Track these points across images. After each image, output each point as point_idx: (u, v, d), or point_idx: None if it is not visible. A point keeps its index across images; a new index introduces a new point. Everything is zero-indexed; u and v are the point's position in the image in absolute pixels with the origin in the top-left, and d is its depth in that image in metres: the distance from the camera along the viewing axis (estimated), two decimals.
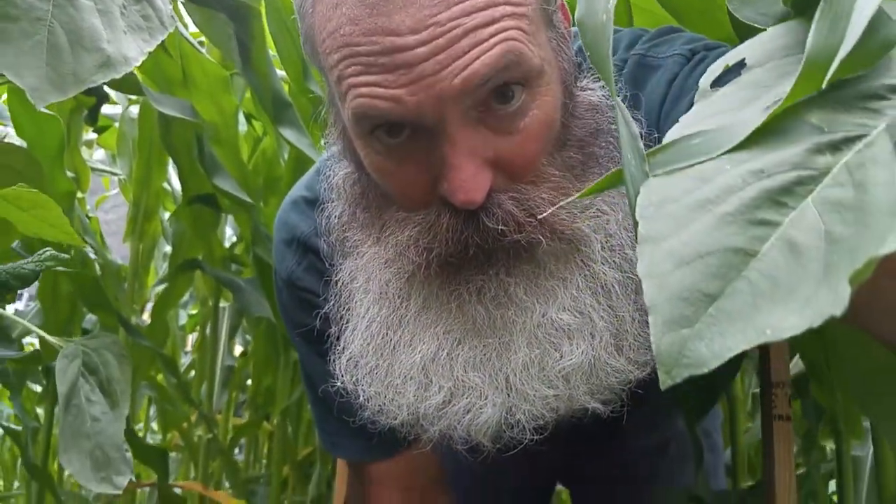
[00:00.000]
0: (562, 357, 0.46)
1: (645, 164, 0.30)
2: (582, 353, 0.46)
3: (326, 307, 0.54)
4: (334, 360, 0.53)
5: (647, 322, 0.51)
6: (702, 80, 0.35)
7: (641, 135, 0.39)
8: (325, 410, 0.62)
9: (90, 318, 1.16)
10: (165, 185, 1.28)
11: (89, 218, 1.26)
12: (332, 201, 0.55)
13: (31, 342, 1.60)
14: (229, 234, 1.43)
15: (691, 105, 0.32)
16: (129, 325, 0.95)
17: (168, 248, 1.51)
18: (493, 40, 0.41)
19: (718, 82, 0.33)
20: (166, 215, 1.36)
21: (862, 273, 0.22)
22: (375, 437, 0.54)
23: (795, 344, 0.78)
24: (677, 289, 0.25)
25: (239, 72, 0.94)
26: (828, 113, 0.29)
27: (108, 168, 1.32)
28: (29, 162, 0.80)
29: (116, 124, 1.28)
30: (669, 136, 0.30)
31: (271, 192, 1.20)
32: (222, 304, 1.23)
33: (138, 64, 0.60)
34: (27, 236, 0.96)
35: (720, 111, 0.32)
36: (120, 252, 1.32)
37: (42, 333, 0.68)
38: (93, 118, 0.92)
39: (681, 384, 0.61)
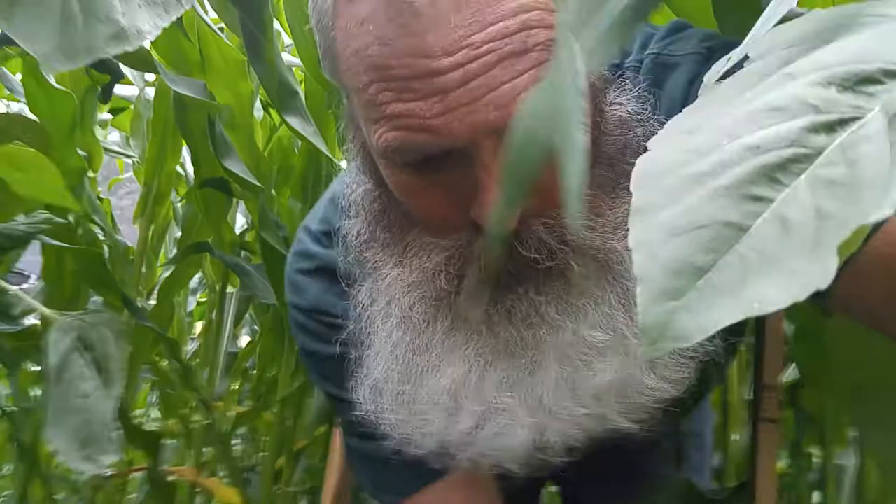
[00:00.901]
0: (594, 375, 0.45)
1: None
2: (615, 371, 0.45)
3: (346, 332, 0.53)
4: (356, 387, 0.52)
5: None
6: (706, 77, 0.35)
7: None
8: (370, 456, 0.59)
9: (95, 301, 1.18)
10: (179, 169, 1.29)
11: (101, 199, 1.28)
12: (350, 218, 0.53)
13: (35, 323, 1.62)
14: (241, 223, 1.44)
15: None
16: (133, 304, 0.96)
17: (178, 234, 1.52)
18: (527, 76, 0.40)
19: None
20: (179, 201, 1.38)
21: (851, 243, 0.23)
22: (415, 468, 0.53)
23: (792, 350, 0.78)
24: (668, 260, 0.26)
25: (248, 58, 0.95)
26: (824, 94, 0.29)
27: (121, 150, 1.35)
28: (38, 134, 0.82)
29: (132, 107, 1.30)
30: (669, 124, 0.30)
31: (284, 181, 1.21)
32: (229, 290, 1.24)
33: (153, 38, 0.60)
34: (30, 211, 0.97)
35: (719, 101, 0.32)
36: (133, 238, 1.34)
37: (40, 307, 0.69)
38: (106, 96, 0.94)
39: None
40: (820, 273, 0.23)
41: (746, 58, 0.33)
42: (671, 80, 0.52)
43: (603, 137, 0.47)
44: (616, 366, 0.46)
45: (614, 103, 0.49)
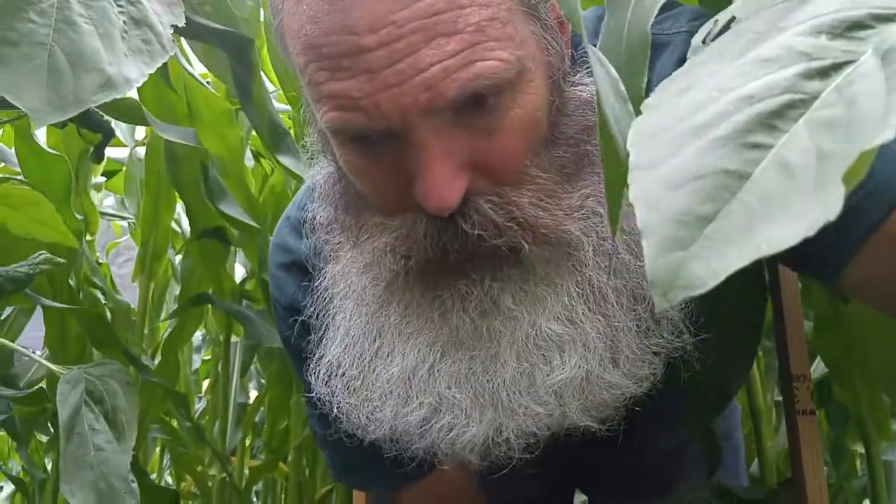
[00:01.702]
0: (552, 371, 0.44)
1: (628, 104, 0.30)
2: (574, 366, 0.44)
3: (308, 313, 0.53)
4: (312, 370, 0.51)
5: (646, 333, 0.49)
6: (693, 39, 0.35)
7: None
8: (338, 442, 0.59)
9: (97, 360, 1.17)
10: (174, 225, 1.31)
11: (99, 263, 1.28)
12: (316, 202, 0.54)
13: (41, 387, 1.61)
14: (240, 274, 1.44)
15: None
16: (138, 362, 0.96)
17: (178, 291, 1.53)
18: (458, 58, 0.40)
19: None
20: (177, 258, 1.38)
21: (856, 170, 0.23)
22: (394, 463, 0.52)
23: (815, 341, 0.77)
24: (671, 212, 0.26)
25: (240, 104, 0.97)
26: (815, 42, 0.30)
27: (117, 213, 1.36)
28: (35, 199, 0.83)
29: (125, 167, 1.32)
30: (661, 87, 0.30)
31: None
32: (233, 339, 1.24)
33: (139, 84, 0.62)
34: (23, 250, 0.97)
35: (709, 60, 0.32)
36: (134, 300, 1.34)
37: (46, 363, 0.68)
38: (99, 154, 0.95)
39: (690, 386, 0.60)
40: (826, 206, 0.22)
41: (733, 20, 0.34)
42: (661, 61, 0.51)
43: (562, 118, 0.46)
44: (576, 361, 0.44)
45: (578, 84, 0.48)
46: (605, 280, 0.45)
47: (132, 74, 0.63)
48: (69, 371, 0.62)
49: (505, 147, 0.44)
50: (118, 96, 0.61)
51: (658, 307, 0.24)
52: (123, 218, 1.36)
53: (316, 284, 0.53)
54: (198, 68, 1.16)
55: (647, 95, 0.50)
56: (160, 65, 0.66)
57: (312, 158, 0.55)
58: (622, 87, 0.30)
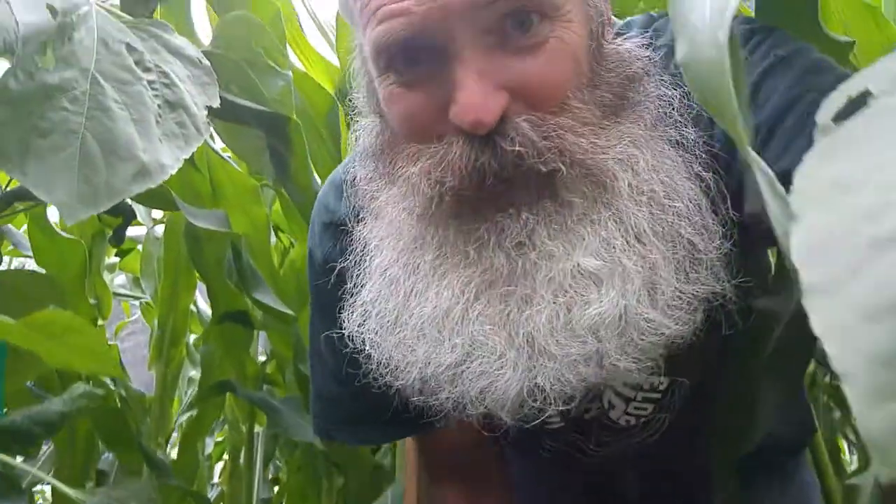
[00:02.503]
0: (589, 305, 0.44)
1: (787, 205, 0.27)
2: (612, 300, 0.43)
3: (343, 266, 0.54)
4: (346, 313, 0.52)
5: (686, 276, 0.47)
6: (820, 116, 0.32)
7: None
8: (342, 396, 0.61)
9: (105, 458, 1.12)
10: (191, 306, 1.27)
11: (109, 346, 1.24)
12: (357, 160, 0.55)
13: (42, 489, 1.54)
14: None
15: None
16: (156, 461, 0.91)
17: (192, 373, 1.47)
18: None
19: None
20: (190, 337, 1.34)
21: None
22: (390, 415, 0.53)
23: None
24: (875, 353, 0.22)
25: (271, 183, 0.95)
26: None
27: (129, 292, 1.33)
28: (50, 288, 0.79)
29: (140, 246, 1.29)
30: (807, 176, 0.27)
31: (303, 303, 1.18)
32: (256, 429, 1.18)
33: (174, 171, 0.59)
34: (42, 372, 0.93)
35: (861, 146, 0.29)
36: (140, 382, 1.29)
37: (61, 486, 0.63)
38: (119, 238, 0.93)
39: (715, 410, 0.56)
40: None
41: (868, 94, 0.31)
42: None
43: (603, 65, 0.48)
44: (614, 294, 0.44)
45: (614, 42, 0.51)
46: (642, 215, 0.45)
47: (167, 161, 0.61)
48: (90, 498, 0.57)
49: (545, 73, 0.45)
50: (153, 185, 0.59)
51: (874, 470, 0.20)
52: (137, 298, 1.32)
53: (353, 243, 0.54)
54: (217, 142, 1.15)
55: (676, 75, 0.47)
56: (195, 148, 0.64)
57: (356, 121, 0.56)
58: (780, 188, 0.27)
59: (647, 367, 0.45)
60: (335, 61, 1.13)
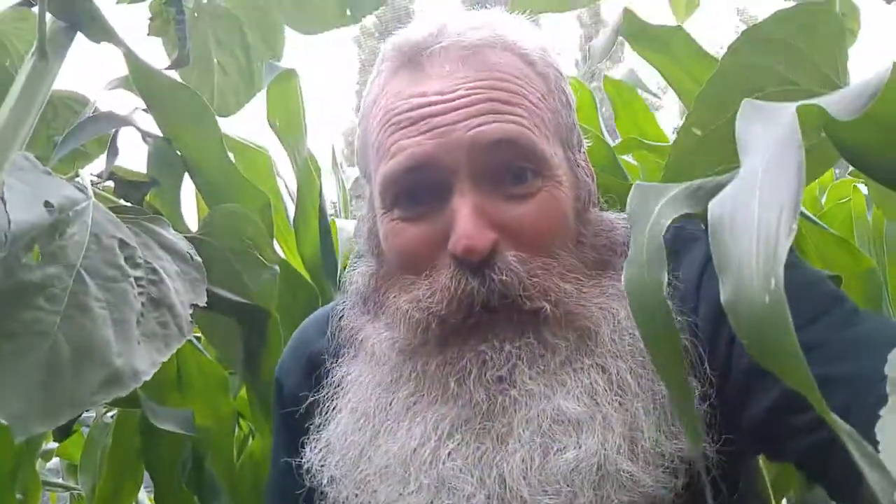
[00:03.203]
0: (566, 452, 0.43)
1: (888, 475, 0.23)
2: (590, 450, 0.43)
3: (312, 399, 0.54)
4: (310, 448, 0.52)
5: (667, 430, 0.46)
6: (890, 369, 0.29)
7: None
8: None
9: None
10: None
11: None
12: (348, 298, 0.57)
13: None
14: None
15: None
16: None
17: None
18: (509, 115, 0.48)
19: None
20: None
21: None
22: None
23: None
24: None
25: (239, 375, 0.89)
26: None
27: (63, 482, 1.18)
28: None
29: (85, 430, 1.17)
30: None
31: (259, 501, 1.06)
32: None
33: (148, 378, 0.54)
34: None
35: None
36: None
37: None
38: (65, 430, 0.83)
39: None
40: None
41: None
42: (690, 256, 0.53)
43: (588, 228, 0.52)
44: (593, 442, 0.43)
45: (597, 211, 0.55)
46: (625, 366, 0.46)
47: (142, 366, 0.55)
48: None
49: (535, 220, 0.48)
50: (123, 394, 0.53)
51: None
52: (69, 489, 1.18)
53: (326, 377, 0.55)
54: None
55: (675, 281, 0.48)
56: (175, 350, 0.58)
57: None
58: (876, 457, 0.24)
59: None
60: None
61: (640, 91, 0.95)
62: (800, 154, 0.24)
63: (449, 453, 0.44)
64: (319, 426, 0.53)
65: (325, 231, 0.98)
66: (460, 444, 0.45)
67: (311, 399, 0.55)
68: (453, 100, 0.48)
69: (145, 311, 0.57)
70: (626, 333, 0.47)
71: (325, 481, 0.50)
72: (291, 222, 1.02)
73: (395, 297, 0.50)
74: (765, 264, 0.23)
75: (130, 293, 0.55)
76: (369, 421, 0.49)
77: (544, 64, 0.52)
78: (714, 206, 0.26)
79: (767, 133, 0.27)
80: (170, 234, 0.61)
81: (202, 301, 0.62)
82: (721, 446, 0.45)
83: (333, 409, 0.52)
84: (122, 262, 0.55)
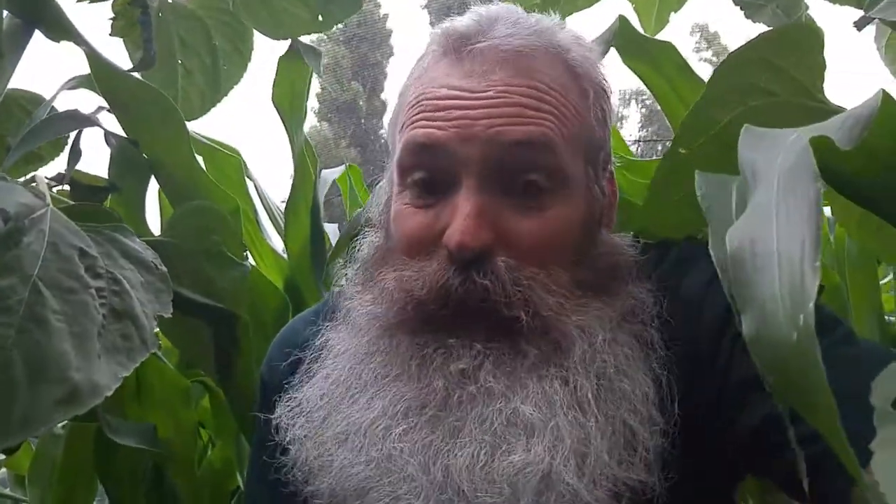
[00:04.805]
0: (514, 454, 0.43)
1: None
2: (538, 456, 0.42)
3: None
4: (281, 408, 0.52)
5: (618, 457, 0.45)
6: (876, 399, 0.28)
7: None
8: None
9: None
10: None
11: None
12: (352, 268, 0.57)
13: None
14: None
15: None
16: None
17: None
18: (534, 121, 0.48)
19: None
20: None
21: None
22: None
23: None
24: None
25: (214, 382, 0.85)
26: None
27: (9, 493, 1.11)
28: None
29: (34, 442, 1.11)
30: None
31: None
32: None
33: (110, 393, 0.51)
34: None
35: None
36: None
37: None
38: (13, 446, 0.78)
39: None
40: None
41: None
42: (689, 277, 0.52)
43: (593, 248, 0.52)
44: (541, 450, 0.42)
45: (607, 233, 0.55)
46: (589, 385, 0.46)
47: (103, 380, 0.52)
48: None
49: (535, 234, 0.48)
50: (81, 411, 0.50)
51: None
52: (18, 501, 1.11)
53: (305, 364, 0.55)
54: None
55: (672, 302, 0.48)
56: (138, 363, 0.55)
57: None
58: None
59: None
60: (285, 256, 1.08)
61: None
62: (815, 185, 0.22)
63: (400, 433, 0.45)
64: (295, 386, 0.53)
65: (317, 227, 0.96)
66: (412, 427, 0.45)
67: (286, 384, 0.55)
68: (481, 98, 0.48)
69: (107, 323, 0.53)
70: (598, 357, 0.47)
71: (289, 440, 0.51)
72: (262, 228, 0.99)
73: (385, 273, 0.51)
74: (791, 300, 0.22)
75: (91, 305, 0.52)
76: (339, 388, 0.50)
77: (588, 77, 0.52)
78: (731, 238, 0.25)
79: (775, 162, 0.26)
80: (133, 243, 0.57)
81: (167, 312, 0.58)
82: (702, 483, 0.45)
83: (312, 372, 0.53)
84: (82, 272, 0.52)
